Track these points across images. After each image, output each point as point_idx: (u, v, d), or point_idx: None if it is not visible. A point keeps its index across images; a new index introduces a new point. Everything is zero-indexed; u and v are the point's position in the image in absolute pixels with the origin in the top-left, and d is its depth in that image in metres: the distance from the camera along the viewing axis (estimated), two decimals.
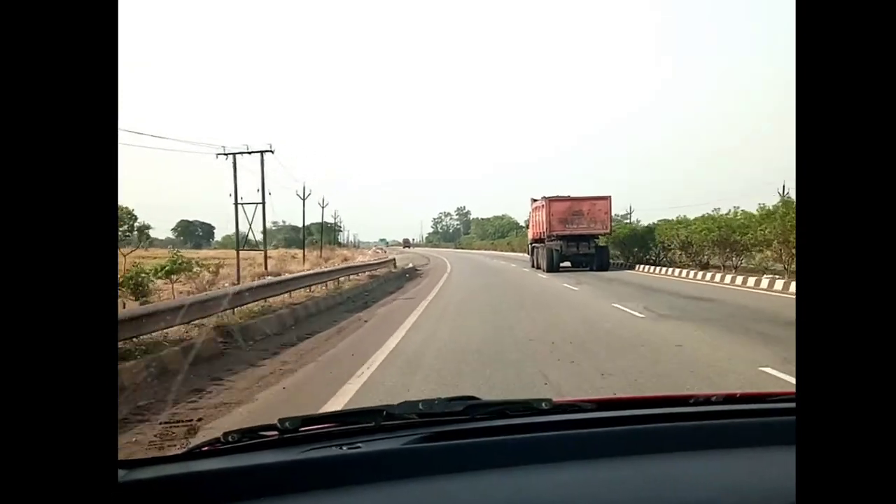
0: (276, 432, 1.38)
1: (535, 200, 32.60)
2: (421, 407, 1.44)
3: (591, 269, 28.26)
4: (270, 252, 34.75)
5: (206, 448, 1.40)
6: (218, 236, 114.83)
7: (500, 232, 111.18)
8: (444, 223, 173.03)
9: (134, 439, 4.49)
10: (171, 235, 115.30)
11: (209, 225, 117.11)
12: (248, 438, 1.38)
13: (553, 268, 28.31)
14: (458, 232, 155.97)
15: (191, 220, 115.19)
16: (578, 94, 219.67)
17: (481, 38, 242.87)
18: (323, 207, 60.81)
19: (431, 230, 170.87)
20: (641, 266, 29.90)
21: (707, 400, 1.63)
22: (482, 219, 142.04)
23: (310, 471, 1.24)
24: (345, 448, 1.30)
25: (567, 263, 29.16)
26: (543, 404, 1.49)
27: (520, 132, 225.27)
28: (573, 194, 29.72)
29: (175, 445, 4.16)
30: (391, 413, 1.43)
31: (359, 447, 1.30)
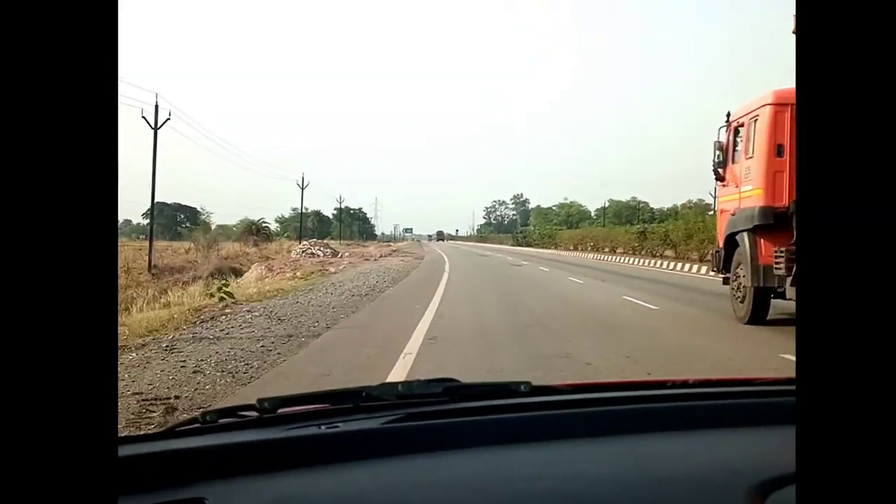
0: (254, 412, 1.39)
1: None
2: (400, 389, 1.48)
3: None
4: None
5: (184, 427, 1.41)
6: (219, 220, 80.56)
7: (568, 222, 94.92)
8: (498, 213, 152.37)
9: None
10: (142, 221, 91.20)
11: (192, 209, 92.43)
12: (227, 417, 1.40)
13: None
14: (515, 223, 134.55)
15: (169, 202, 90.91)
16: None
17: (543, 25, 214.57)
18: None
19: (483, 221, 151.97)
20: None
21: (684, 384, 1.70)
22: (544, 208, 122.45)
23: (290, 449, 1.26)
24: (323, 427, 1.31)
25: None
26: (522, 387, 1.51)
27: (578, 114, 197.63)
28: None
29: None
30: (370, 394, 1.44)
31: (337, 426, 1.32)
